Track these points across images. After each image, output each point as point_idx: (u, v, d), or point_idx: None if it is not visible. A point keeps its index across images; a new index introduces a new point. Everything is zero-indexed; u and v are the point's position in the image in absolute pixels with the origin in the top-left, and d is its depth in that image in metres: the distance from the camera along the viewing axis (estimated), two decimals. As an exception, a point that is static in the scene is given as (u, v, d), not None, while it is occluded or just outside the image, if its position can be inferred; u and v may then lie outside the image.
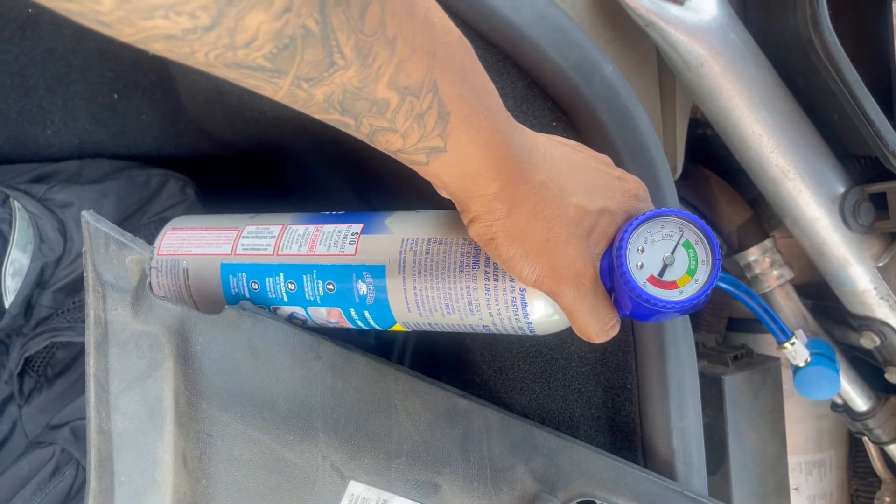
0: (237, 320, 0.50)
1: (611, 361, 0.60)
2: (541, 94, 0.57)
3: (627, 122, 0.56)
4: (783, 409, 0.75)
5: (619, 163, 0.57)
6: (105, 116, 0.78)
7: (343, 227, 0.49)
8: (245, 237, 0.52)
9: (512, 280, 0.43)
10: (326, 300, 0.49)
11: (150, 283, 0.49)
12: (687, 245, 0.41)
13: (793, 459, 0.83)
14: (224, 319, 0.49)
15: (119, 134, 0.79)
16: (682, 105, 0.71)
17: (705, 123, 0.82)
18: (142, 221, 0.78)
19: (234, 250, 0.52)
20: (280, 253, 0.50)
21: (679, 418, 0.60)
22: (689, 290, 0.40)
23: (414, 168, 0.37)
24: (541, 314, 0.44)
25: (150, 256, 0.49)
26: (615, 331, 0.42)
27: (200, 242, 0.54)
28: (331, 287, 0.48)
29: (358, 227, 0.48)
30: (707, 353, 0.75)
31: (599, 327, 0.41)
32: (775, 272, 0.74)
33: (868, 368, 0.79)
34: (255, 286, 0.51)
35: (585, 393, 0.60)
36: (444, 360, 0.66)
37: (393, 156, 0.36)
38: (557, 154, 0.40)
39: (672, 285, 0.40)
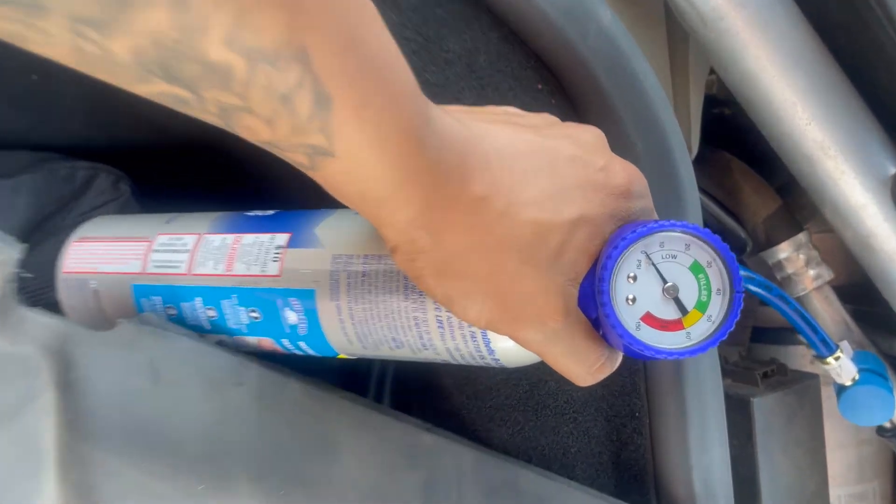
0: (135, 338, 0.42)
1: (615, 383, 0.51)
2: (521, 49, 0.47)
3: (630, 82, 0.46)
4: (823, 436, 0.64)
5: (619, 133, 0.46)
6: (23, 100, 0.69)
7: (266, 237, 0.42)
8: (157, 250, 0.47)
9: None
10: (253, 329, 0.43)
11: (11, 292, 0.40)
12: (696, 268, 0.32)
13: (832, 492, 0.72)
14: (118, 337, 0.42)
15: (40, 121, 0.70)
16: (697, 72, 0.61)
17: (723, 101, 0.71)
18: (65, 222, 0.68)
19: (144, 267, 0.46)
20: (194, 272, 0.44)
21: (701, 453, 0.50)
22: (699, 331, 0.32)
23: (303, 171, 0.29)
24: (508, 347, 0.36)
25: (18, 256, 0.41)
26: (607, 370, 0.35)
27: (109, 257, 0.49)
28: (255, 315, 0.42)
29: (283, 239, 0.41)
30: (731, 370, 0.64)
31: (584, 370, 0.34)
32: (811, 272, 0.63)
33: (921, 385, 0.68)
34: (173, 312, 0.46)
35: (583, 423, 0.50)
36: (415, 384, 0.55)
37: (270, 150, 0.29)
38: (510, 151, 0.32)
39: (676, 325, 0.32)
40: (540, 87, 0.47)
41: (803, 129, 0.56)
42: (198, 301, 0.45)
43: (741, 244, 0.64)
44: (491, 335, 0.36)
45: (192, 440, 0.41)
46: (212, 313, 0.44)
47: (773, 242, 0.64)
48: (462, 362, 0.39)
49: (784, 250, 0.63)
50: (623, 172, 0.34)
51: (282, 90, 0.25)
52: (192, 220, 0.48)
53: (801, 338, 0.67)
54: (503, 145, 0.32)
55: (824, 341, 0.55)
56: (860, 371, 0.57)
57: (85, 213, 0.70)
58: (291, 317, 0.41)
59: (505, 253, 0.31)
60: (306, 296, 0.39)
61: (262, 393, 0.43)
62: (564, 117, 0.45)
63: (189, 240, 0.46)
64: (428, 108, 0.29)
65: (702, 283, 0.32)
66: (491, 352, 0.37)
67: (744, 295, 0.34)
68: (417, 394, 0.53)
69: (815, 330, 0.54)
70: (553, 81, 0.47)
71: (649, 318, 0.32)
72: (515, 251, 0.31)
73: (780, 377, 0.63)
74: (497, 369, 0.50)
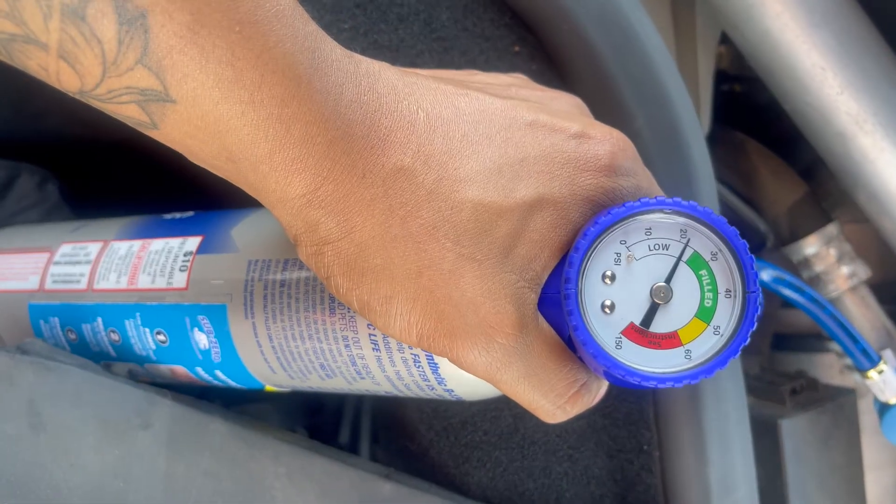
0: (11, 371, 0.35)
1: (618, 411, 0.42)
2: (493, 2, 0.38)
3: (627, 40, 0.38)
4: (861, 461, 0.55)
5: (615, 103, 0.38)
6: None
7: (175, 242, 0.36)
8: (57, 262, 0.40)
9: None
10: (162, 355, 0.36)
11: None
12: (696, 262, 0.25)
13: (867, 521, 0.63)
14: (-13, 371, 0.36)
15: (-51, 114, 0.62)
16: (706, 38, 0.53)
17: (733, 76, 0.63)
18: (-21, 230, 0.60)
19: (42, 284, 0.40)
20: (95, 286, 0.37)
21: (724, 493, 0.42)
22: (702, 347, 0.25)
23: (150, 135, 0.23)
24: (463, 375, 0.29)
25: None
26: (583, 401, 0.28)
27: (7, 272, 0.42)
28: (162, 338, 0.36)
29: (194, 243, 0.35)
30: (752, 386, 0.55)
31: (549, 401, 0.27)
32: (845, 270, 0.54)
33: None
34: (73, 336, 0.39)
35: (580, 461, 0.41)
36: (375, 419, 0.47)
37: (101, 109, 0.23)
38: (448, 112, 0.26)
39: (670, 341, 0.25)
40: (517, 49, 0.39)
41: (834, 100, 0.48)
42: (99, 322, 0.37)
43: (761, 238, 0.56)
44: (440, 359, 0.28)
45: (80, 499, 0.34)
46: (115, 336, 0.37)
47: (798, 235, 0.55)
48: (410, 394, 0.31)
49: (812, 244, 0.54)
50: (604, 141, 0.27)
51: (66, 1, 0.19)
52: (102, 226, 0.41)
53: (832, 345, 0.59)
54: (439, 104, 0.25)
55: (865, 352, 0.47)
56: (908, 386, 0.49)
57: (2, 220, 0.62)
58: (202, 339, 0.34)
59: (436, 244, 0.24)
60: (217, 312, 0.33)
61: (175, 437, 0.35)
62: (547, 85, 0.37)
63: (93, 248, 0.39)
64: (317, 42, 0.23)
65: (704, 282, 0.25)
66: (440, 380, 0.29)
67: (762, 295, 0.26)
68: (377, 431, 0.45)
69: (854, 339, 0.46)
70: (532, 41, 0.39)
71: (634, 332, 0.25)
72: (450, 242, 0.24)
73: (810, 393, 0.55)
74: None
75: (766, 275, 0.40)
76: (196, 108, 0.21)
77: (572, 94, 0.31)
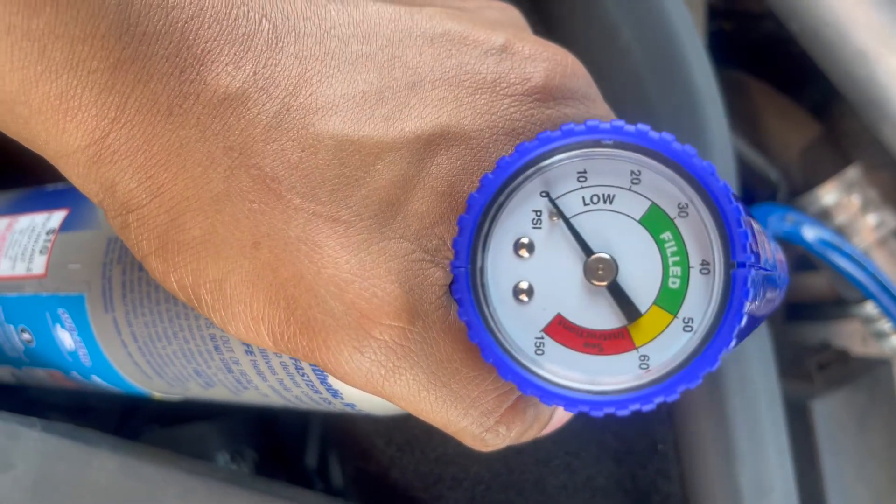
0: None
1: None
2: None
3: None
4: (903, 442, 0.48)
5: (589, 14, 0.30)
6: None
7: (40, 218, 0.30)
8: None
9: None
10: (34, 357, 0.30)
11: None
12: (655, 221, 0.18)
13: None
14: None
15: None
16: None
17: (721, 13, 0.56)
18: None
19: None
20: None
21: (759, 496, 0.36)
22: (666, 350, 0.18)
23: None
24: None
25: None
26: (529, 416, 0.20)
27: None
28: (27, 337, 0.30)
29: (58, 218, 0.29)
30: (772, 363, 0.48)
31: (473, 421, 0.19)
32: (871, 219, 0.48)
33: None
34: None
35: (581, 469, 0.35)
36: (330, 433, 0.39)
37: None
38: (309, 24, 0.19)
39: (616, 341, 0.18)
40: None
41: (852, 11, 0.41)
42: None
43: (771, 188, 0.49)
44: None
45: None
46: None
47: (813, 183, 0.48)
48: (313, 408, 0.24)
49: (830, 192, 0.47)
50: (537, 59, 0.20)
51: None
52: None
53: (854, 309, 0.52)
54: (296, 14, 0.18)
55: (909, 312, 0.40)
56: (960, 349, 0.42)
57: None
58: (66, 338, 0.28)
59: (277, 201, 0.18)
60: (76, 305, 0.27)
61: (45, 479, 0.28)
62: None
63: None
64: None
65: (669, 251, 0.18)
66: (334, 392, 0.22)
67: (757, 270, 0.19)
68: (333, 449, 0.37)
69: (894, 298, 0.39)
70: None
71: (562, 329, 0.18)
72: (299, 197, 0.18)
73: (839, 367, 0.48)
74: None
75: (810, 233, 0.33)
76: None
77: (509, 5, 0.24)
